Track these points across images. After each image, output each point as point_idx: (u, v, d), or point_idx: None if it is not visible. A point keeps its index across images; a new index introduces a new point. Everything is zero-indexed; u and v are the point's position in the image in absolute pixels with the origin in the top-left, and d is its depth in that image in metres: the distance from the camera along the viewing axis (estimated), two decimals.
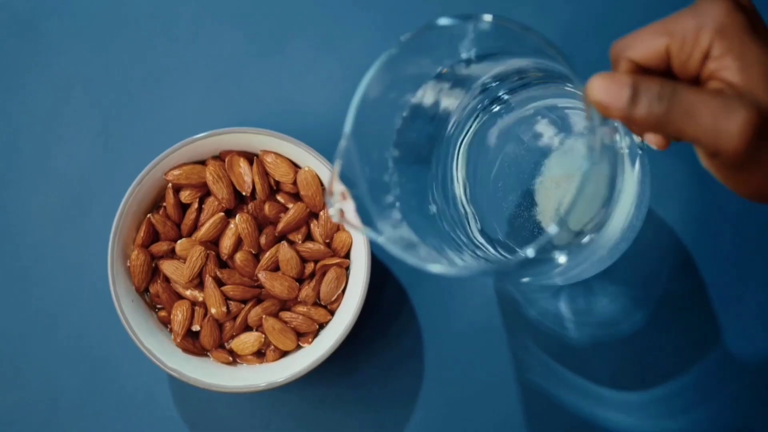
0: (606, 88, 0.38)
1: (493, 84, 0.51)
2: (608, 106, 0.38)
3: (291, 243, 0.63)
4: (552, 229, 0.41)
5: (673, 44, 0.40)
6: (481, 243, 0.54)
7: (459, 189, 0.54)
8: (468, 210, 0.54)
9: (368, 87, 0.44)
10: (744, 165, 0.39)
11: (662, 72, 0.41)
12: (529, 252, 0.41)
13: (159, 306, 0.63)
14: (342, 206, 0.45)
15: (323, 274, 0.63)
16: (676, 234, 0.65)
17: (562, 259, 0.48)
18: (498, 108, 0.53)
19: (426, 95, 0.49)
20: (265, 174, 0.63)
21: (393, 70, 0.44)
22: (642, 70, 0.41)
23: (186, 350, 0.62)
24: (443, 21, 0.43)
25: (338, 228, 0.63)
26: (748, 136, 0.37)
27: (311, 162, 0.61)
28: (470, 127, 0.53)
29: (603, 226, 0.48)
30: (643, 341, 0.64)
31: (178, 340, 0.62)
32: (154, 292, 0.63)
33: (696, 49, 0.39)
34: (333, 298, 0.63)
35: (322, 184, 0.63)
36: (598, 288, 0.65)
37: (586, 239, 0.48)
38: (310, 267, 0.63)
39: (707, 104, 0.38)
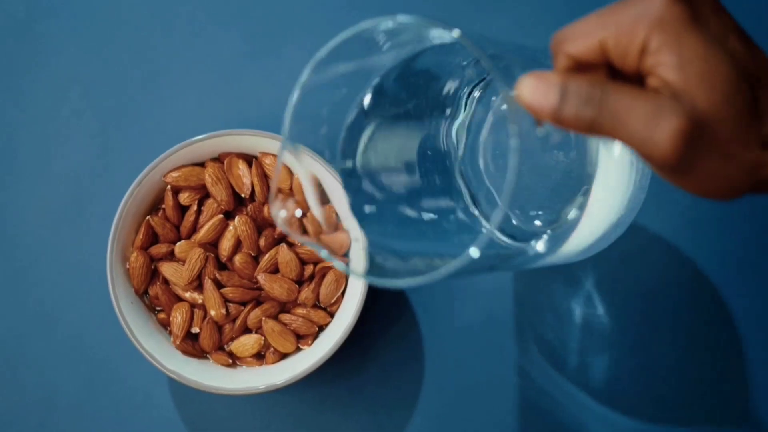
0: (534, 89, 0.36)
1: (472, 66, 0.50)
2: (536, 109, 0.36)
3: (290, 245, 0.63)
4: (493, 221, 0.37)
5: (609, 37, 0.37)
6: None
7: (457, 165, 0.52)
8: (463, 186, 0.52)
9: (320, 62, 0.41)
10: (680, 169, 0.37)
11: (607, 66, 0.38)
12: (473, 252, 0.39)
13: (158, 308, 0.63)
14: (286, 210, 0.42)
15: (323, 276, 0.63)
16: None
17: (540, 246, 0.46)
18: (485, 85, 0.51)
19: (395, 80, 0.47)
20: (264, 176, 0.63)
21: (349, 56, 0.42)
22: (584, 65, 0.38)
23: (185, 352, 0.62)
24: (401, 19, 0.41)
25: (338, 229, 0.63)
26: (678, 146, 0.35)
27: (310, 164, 0.61)
28: (464, 104, 0.51)
29: (583, 207, 0.46)
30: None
31: (178, 342, 0.62)
32: (153, 294, 0.63)
33: (632, 43, 0.36)
34: (333, 300, 0.62)
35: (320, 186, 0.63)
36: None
37: (564, 223, 0.47)
38: (309, 269, 0.63)
39: (638, 109, 0.35)
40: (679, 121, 0.35)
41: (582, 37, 0.37)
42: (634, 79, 0.38)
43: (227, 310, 0.62)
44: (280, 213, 0.43)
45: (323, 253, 0.42)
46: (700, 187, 0.38)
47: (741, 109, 0.36)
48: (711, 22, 0.37)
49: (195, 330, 0.62)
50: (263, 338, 0.62)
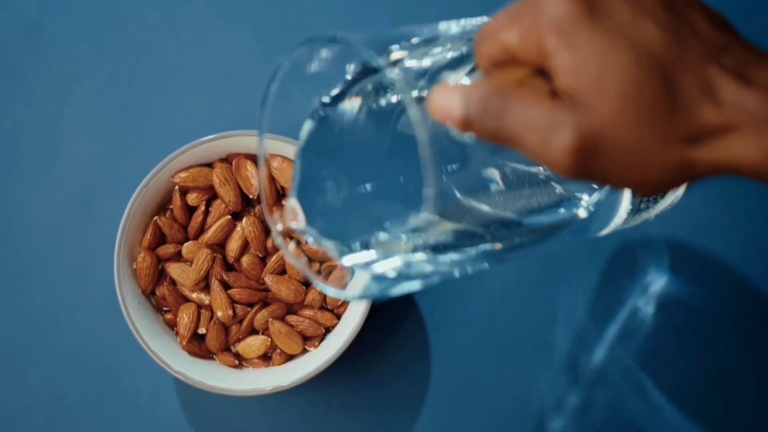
0: (442, 101, 0.35)
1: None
2: (443, 120, 0.35)
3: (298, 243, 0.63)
4: (425, 214, 0.36)
5: (510, 40, 0.34)
6: None
7: None
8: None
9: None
10: (589, 178, 0.34)
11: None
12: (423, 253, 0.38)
13: (165, 309, 0.63)
14: (288, 225, 0.40)
15: (328, 275, 0.62)
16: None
17: (582, 213, 0.44)
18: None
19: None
20: (271, 178, 0.62)
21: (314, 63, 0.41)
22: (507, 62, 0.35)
23: (192, 353, 0.62)
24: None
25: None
26: (572, 162, 0.33)
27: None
28: None
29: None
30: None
31: (184, 343, 0.62)
32: (160, 294, 0.63)
33: (531, 46, 0.34)
34: (339, 302, 0.62)
35: None
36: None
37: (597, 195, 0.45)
38: (315, 266, 0.63)
39: (533, 122, 0.34)
40: (569, 137, 0.33)
41: (490, 39, 0.35)
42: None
43: (234, 311, 0.62)
44: (278, 227, 0.41)
45: (332, 292, 0.41)
46: (627, 187, 0.35)
47: (647, 109, 0.33)
48: (615, 10, 0.33)
49: (201, 331, 0.62)
50: (270, 339, 0.62)
